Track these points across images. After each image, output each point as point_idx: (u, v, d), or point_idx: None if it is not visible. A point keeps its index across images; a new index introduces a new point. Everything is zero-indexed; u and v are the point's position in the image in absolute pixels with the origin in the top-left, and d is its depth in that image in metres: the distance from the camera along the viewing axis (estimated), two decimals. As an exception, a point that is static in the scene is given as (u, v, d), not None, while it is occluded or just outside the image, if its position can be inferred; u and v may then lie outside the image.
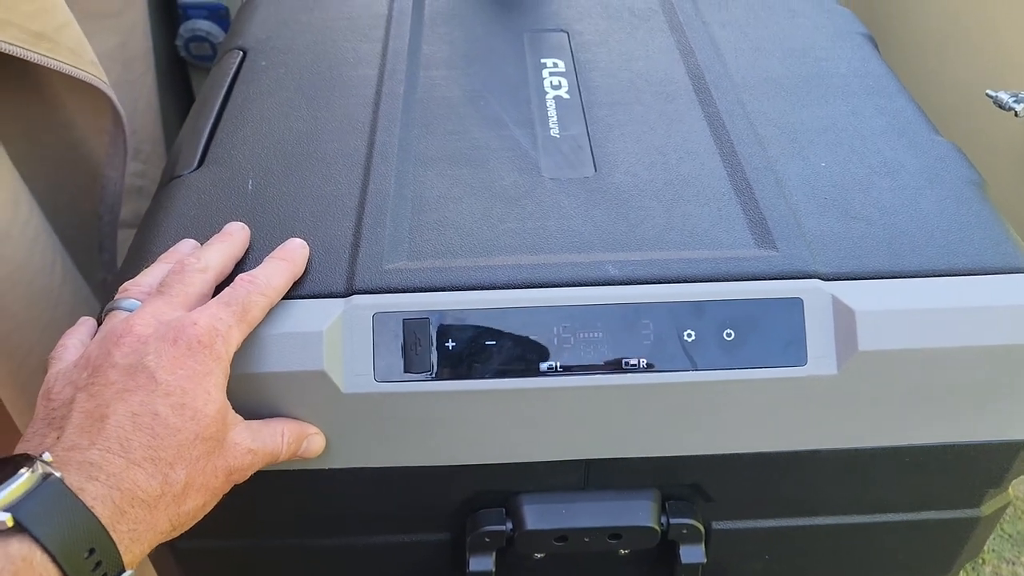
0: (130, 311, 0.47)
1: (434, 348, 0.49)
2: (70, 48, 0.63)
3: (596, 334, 0.49)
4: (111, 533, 0.39)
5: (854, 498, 0.56)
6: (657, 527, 0.54)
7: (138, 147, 0.89)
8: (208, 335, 0.44)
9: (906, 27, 0.91)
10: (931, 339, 0.49)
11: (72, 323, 0.68)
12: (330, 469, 0.52)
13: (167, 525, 0.42)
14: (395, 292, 0.50)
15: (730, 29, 0.73)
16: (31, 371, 0.66)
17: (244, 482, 0.52)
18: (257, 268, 0.49)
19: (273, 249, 0.51)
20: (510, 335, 0.49)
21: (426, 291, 0.50)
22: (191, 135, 0.64)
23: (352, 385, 0.48)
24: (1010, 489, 0.59)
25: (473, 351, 0.49)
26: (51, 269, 0.66)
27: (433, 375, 0.49)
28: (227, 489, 0.46)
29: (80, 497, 0.39)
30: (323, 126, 0.63)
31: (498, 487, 0.54)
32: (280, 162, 0.60)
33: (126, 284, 0.49)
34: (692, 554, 0.55)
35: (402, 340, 0.49)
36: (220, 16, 1.11)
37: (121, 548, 0.40)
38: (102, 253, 0.76)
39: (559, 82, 0.68)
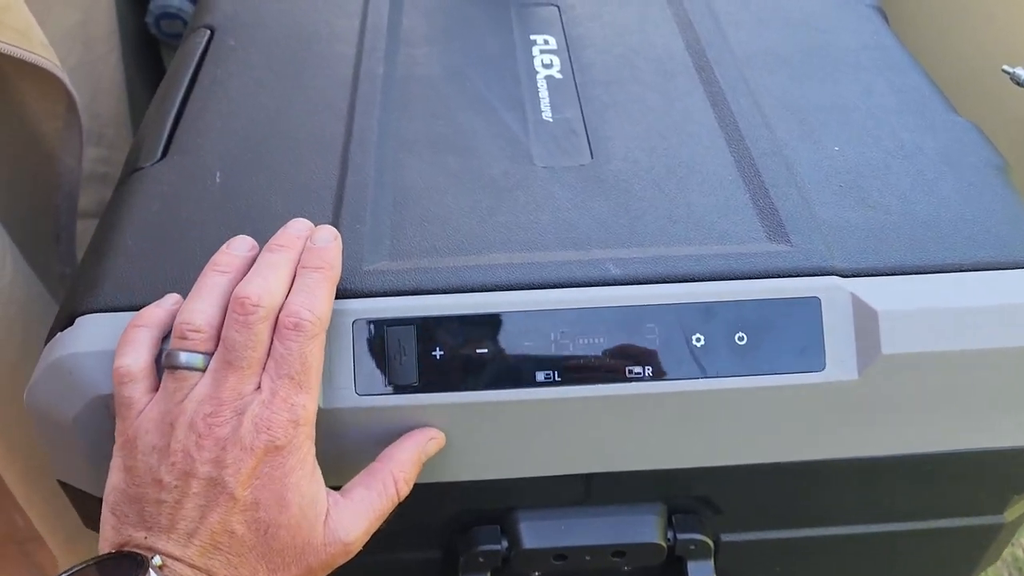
0: (193, 369, 0.41)
1: (419, 357, 0.45)
2: (17, 30, 0.58)
3: (597, 339, 0.45)
4: None
5: (872, 507, 0.53)
6: (663, 543, 0.50)
7: (101, 132, 0.84)
8: (285, 435, 0.41)
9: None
10: (958, 341, 0.45)
11: (24, 320, 0.63)
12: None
13: None
14: (376, 296, 0.45)
15: (729, -1, 0.69)
16: None
17: None
18: (293, 298, 0.42)
19: None
20: (503, 342, 0.45)
21: (410, 294, 0.46)
22: (154, 123, 0.59)
23: (332, 400, 0.44)
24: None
25: (462, 360, 0.45)
26: (0, 265, 0.62)
27: (419, 387, 0.45)
28: None
29: None
30: (297, 110, 0.58)
31: (493, 503, 0.50)
32: (250, 151, 0.55)
33: (180, 323, 0.42)
34: (701, 570, 0.52)
35: (384, 349, 0.45)
36: (190, -9, 1.05)
37: None
38: (59, 244, 0.71)
39: (551, 60, 0.63)
